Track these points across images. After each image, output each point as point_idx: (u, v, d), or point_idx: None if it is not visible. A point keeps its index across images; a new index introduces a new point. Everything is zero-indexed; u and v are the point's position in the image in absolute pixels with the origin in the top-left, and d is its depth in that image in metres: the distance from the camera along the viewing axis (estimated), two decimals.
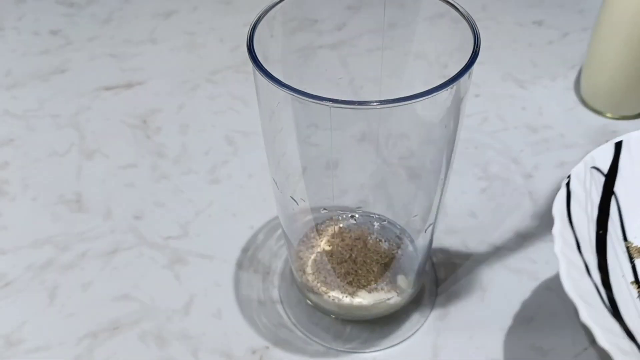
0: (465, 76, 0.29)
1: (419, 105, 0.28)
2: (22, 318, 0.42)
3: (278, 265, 0.45)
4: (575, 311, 0.32)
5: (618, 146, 0.39)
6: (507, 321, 0.41)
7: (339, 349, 0.40)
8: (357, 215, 0.43)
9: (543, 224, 0.47)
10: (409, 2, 0.35)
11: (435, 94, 0.28)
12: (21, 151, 0.54)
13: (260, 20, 0.32)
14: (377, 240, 0.41)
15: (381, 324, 0.41)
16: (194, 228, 0.47)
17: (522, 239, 0.46)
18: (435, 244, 0.45)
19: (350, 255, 0.40)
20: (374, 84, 0.39)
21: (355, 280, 0.40)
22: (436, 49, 0.36)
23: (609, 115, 0.54)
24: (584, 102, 0.56)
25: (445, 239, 0.46)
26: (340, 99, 0.27)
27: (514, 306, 0.42)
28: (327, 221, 0.42)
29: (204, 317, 0.42)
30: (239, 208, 0.48)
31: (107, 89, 0.59)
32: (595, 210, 0.37)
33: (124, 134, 0.55)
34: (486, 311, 0.42)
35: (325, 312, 0.41)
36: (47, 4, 0.70)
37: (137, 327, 0.41)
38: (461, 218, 0.47)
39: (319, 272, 0.40)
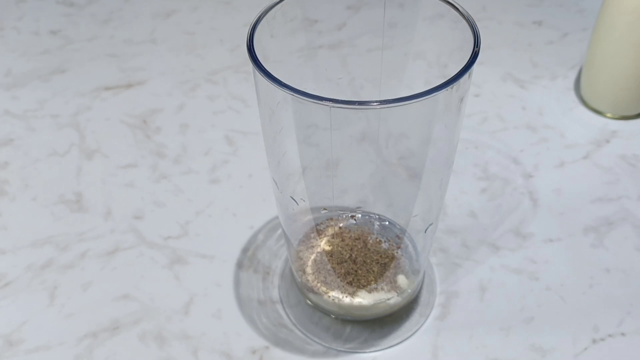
0: (465, 76, 0.29)
1: (419, 105, 0.28)
2: (22, 318, 0.42)
3: (278, 265, 0.45)
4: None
5: None
6: (507, 321, 0.41)
7: (339, 349, 0.40)
8: (357, 215, 0.43)
9: (543, 224, 0.47)
10: (409, 2, 0.35)
11: (435, 94, 0.28)
12: (21, 151, 0.54)
13: (260, 20, 0.32)
14: (377, 240, 0.41)
15: (381, 324, 0.41)
16: (194, 228, 0.47)
17: (522, 239, 0.46)
18: (435, 244, 0.45)
19: (350, 255, 0.40)
20: (374, 84, 0.39)
21: (355, 280, 0.40)
22: (436, 49, 0.36)
23: (609, 115, 0.54)
24: (584, 102, 0.56)
25: (445, 239, 0.46)
26: (340, 99, 0.27)
27: (514, 306, 0.42)
28: (327, 221, 0.42)
29: (204, 317, 0.42)
30: (239, 208, 0.48)
31: (107, 89, 0.59)
32: None
33: (124, 134, 0.55)
34: (486, 311, 0.42)
35: (325, 312, 0.41)
36: (47, 4, 0.70)
37: (137, 327, 0.41)
38: (461, 218, 0.47)
39: (319, 272, 0.41)
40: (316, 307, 0.42)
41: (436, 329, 0.41)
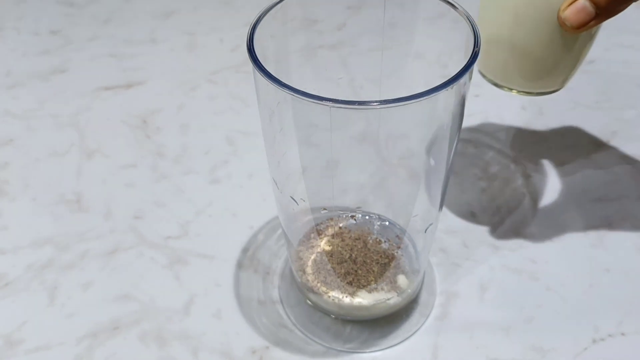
0: (465, 76, 0.29)
1: (419, 105, 0.28)
2: (22, 318, 0.42)
3: (278, 265, 0.45)
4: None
5: None
6: (507, 321, 0.41)
7: (339, 349, 0.40)
8: (357, 215, 0.43)
9: (543, 224, 0.47)
10: (409, 2, 0.35)
11: (435, 94, 0.28)
12: (21, 151, 0.54)
13: (260, 20, 0.32)
14: (377, 240, 0.41)
15: (381, 324, 0.41)
16: (194, 228, 0.47)
17: (522, 239, 0.46)
18: (435, 244, 0.45)
19: (350, 255, 0.40)
20: (374, 84, 0.39)
21: (355, 280, 0.40)
22: (436, 49, 0.36)
23: (514, 92, 0.42)
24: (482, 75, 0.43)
25: (445, 239, 0.46)
26: (340, 99, 0.27)
27: (514, 306, 0.42)
28: (327, 221, 0.42)
29: (204, 317, 0.42)
30: (239, 208, 0.48)
31: (107, 89, 0.59)
32: None
33: (124, 134, 0.55)
34: (486, 311, 0.42)
35: (325, 312, 0.41)
36: (47, 4, 0.70)
37: (137, 327, 0.41)
38: (461, 218, 0.47)
39: (319, 272, 0.41)
40: (316, 307, 0.42)
41: (436, 329, 0.41)
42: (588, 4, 0.33)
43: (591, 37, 0.38)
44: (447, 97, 0.30)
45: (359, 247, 0.41)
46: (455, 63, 0.31)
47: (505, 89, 0.41)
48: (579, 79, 0.58)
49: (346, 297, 0.40)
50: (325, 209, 0.41)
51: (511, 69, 0.39)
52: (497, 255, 0.45)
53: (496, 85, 0.41)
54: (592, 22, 0.34)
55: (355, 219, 0.43)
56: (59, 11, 0.69)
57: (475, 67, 0.34)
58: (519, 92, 0.41)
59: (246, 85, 0.59)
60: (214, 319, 0.42)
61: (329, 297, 0.40)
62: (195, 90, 0.59)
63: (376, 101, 0.27)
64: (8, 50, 0.64)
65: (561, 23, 0.35)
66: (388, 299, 0.40)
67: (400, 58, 0.38)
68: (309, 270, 0.41)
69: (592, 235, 0.46)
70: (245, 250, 0.46)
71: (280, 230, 0.46)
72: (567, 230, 0.46)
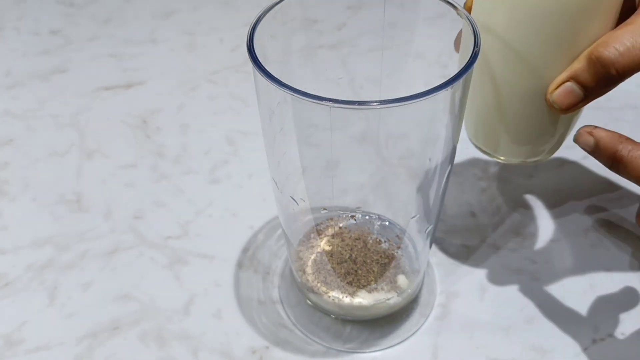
0: (466, 76, 0.29)
1: (419, 105, 0.28)
2: (22, 318, 0.42)
3: (278, 265, 0.45)
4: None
5: None
6: (507, 321, 0.41)
7: (339, 349, 0.40)
8: (357, 215, 0.43)
9: (543, 224, 0.47)
10: (409, 2, 0.35)
11: (435, 94, 0.28)
12: (21, 151, 0.54)
13: (260, 20, 0.32)
14: (377, 240, 0.41)
15: (381, 324, 0.41)
16: (194, 228, 0.47)
17: (522, 239, 0.46)
18: (435, 244, 0.45)
19: (350, 255, 0.40)
20: (374, 84, 0.39)
21: (355, 280, 0.40)
22: (436, 49, 0.36)
23: (502, 158, 0.41)
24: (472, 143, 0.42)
25: (445, 239, 0.46)
26: (340, 99, 0.27)
27: (514, 306, 0.42)
28: (327, 221, 0.42)
29: (204, 317, 0.42)
30: (239, 208, 0.48)
31: (107, 89, 0.59)
32: None
33: (124, 134, 0.55)
34: (486, 311, 0.42)
35: (325, 312, 0.41)
36: (47, 4, 0.70)
37: (137, 327, 0.41)
38: (461, 218, 0.47)
39: (319, 272, 0.41)
40: (316, 307, 0.42)
41: (436, 329, 0.41)
42: (576, 87, 0.33)
43: (579, 111, 0.38)
44: (447, 97, 0.30)
45: (359, 247, 0.41)
46: (455, 63, 0.31)
47: (492, 156, 0.41)
48: None
49: (346, 297, 0.40)
50: (325, 209, 0.41)
51: (499, 142, 0.40)
52: (497, 255, 0.45)
53: (481, 150, 0.41)
54: (580, 104, 0.34)
55: (355, 219, 0.43)
56: (59, 11, 0.69)
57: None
58: (504, 159, 0.41)
59: (246, 85, 0.59)
60: (214, 319, 0.42)
61: (329, 297, 0.40)
62: (195, 90, 0.59)
63: (376, 101, 0.27)
64: (8, 50, 0.64)
65: (550, 105, 0.35)
66: (388, 299, 0.40)
67: (400, 58, 0.38)
68: (309, 270, 0.41)
69: (592, 235, 0.46)
70: (245, 250, 0.46)
71: (280, 230, 0.46)
72: (567, 230, 0.46)
